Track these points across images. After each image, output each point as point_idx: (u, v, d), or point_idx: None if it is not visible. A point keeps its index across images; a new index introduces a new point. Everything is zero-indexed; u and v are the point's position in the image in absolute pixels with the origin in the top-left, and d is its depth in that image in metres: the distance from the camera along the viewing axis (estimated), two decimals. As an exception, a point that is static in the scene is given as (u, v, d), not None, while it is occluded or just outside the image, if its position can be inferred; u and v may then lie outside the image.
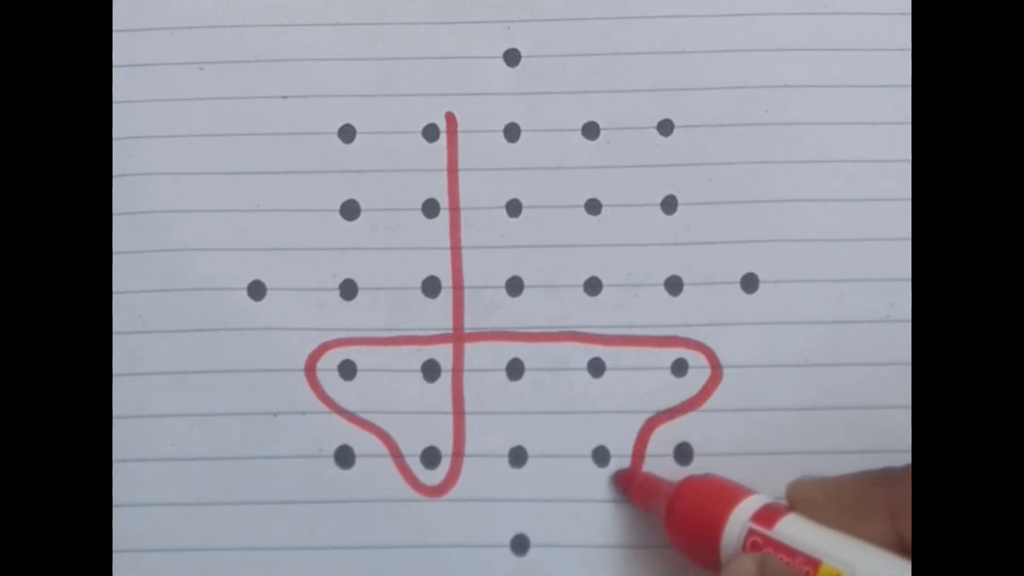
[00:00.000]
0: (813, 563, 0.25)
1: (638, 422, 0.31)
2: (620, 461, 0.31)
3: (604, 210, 0.32)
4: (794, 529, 0.26)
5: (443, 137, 0.32)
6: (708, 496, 0.28)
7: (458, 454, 0.31)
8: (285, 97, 0.32)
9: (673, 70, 0.32)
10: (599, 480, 0.31)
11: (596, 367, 0.31)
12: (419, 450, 0.31)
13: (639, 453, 0.31)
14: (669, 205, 0.32)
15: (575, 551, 0.30)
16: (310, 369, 0.31)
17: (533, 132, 0.32)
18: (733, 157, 0.31)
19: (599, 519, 0.30)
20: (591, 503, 0.30)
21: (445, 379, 0.31)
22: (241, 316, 0.31)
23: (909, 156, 0.31)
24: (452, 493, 0.31)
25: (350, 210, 0.32)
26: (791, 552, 0.26)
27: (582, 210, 0.32)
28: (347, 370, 0.31)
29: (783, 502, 0.27)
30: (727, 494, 0.28)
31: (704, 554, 0.28)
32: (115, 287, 0.31)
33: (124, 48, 0.32)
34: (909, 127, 0.31)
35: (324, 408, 0.31)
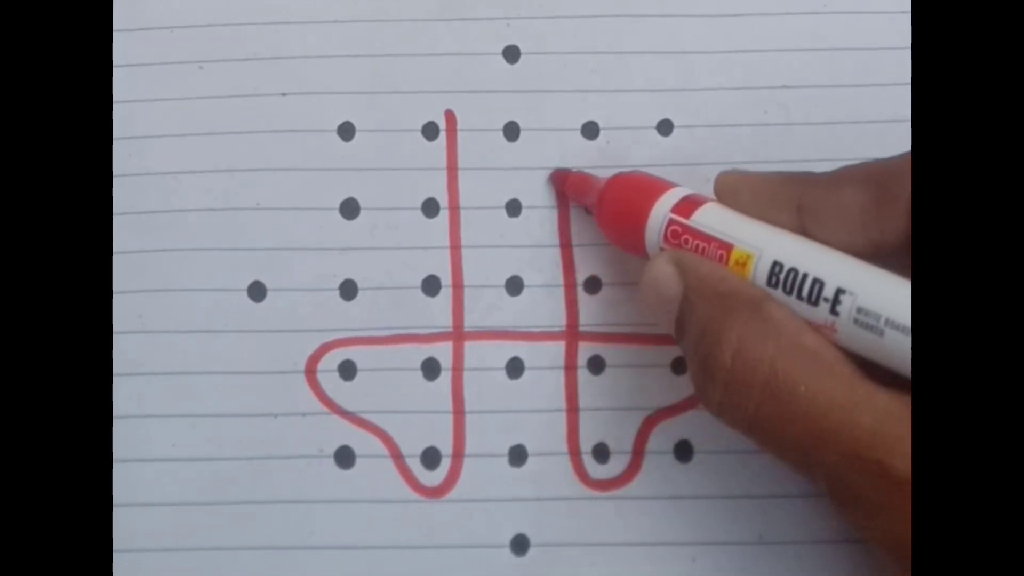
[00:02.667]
0: (726, 247, 0.26)
1: (638, 420, 0.31)
2: (620, 458, 0.31)
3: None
4: (710, 218, 0.27)
5: (442, 135, 0.32)
6: (634, 189, 0.29)
7: (458, 454, 0.31)
8: (284, 95, 0.32)
9: (673, 70, 0.32)
10: (600, 478, 0.31)
11: (596, 365, 0.31)
12: (419, 451, 0.31)
13: (639, 450, 0.31)
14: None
15: (575, 550, 0.30)
16: (310, 370, 0.31)
17: (533, 131, 0.32)
18: (732, 157, 0.31)
19: (599, 518, 0.30)
20: (591, 502, 0.30)
21: (445, 378, 0.31)
22: (241, 317, 0.31)
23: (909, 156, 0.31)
24: (452, 494, 0.31)
25: (350, 209, 0.32)
26: (707, 238, 0.27)
27: (581, 210, 0.32)
28: (347, 370, 0.31)
29: (708, 197, 0.28)
30: (652, 187, 0.29)
31: (632, 244, 0.29)
32: (115, 287, 0.31)
33: (124, 48, 0.32)
34: (909, 126, 0.31)
35: (324, 409, 0.31)
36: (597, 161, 0.32)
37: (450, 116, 0.32)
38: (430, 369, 0.31)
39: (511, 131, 0.32)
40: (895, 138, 0.31)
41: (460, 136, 0.32)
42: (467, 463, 0.31)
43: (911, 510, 0.22)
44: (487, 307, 0.31)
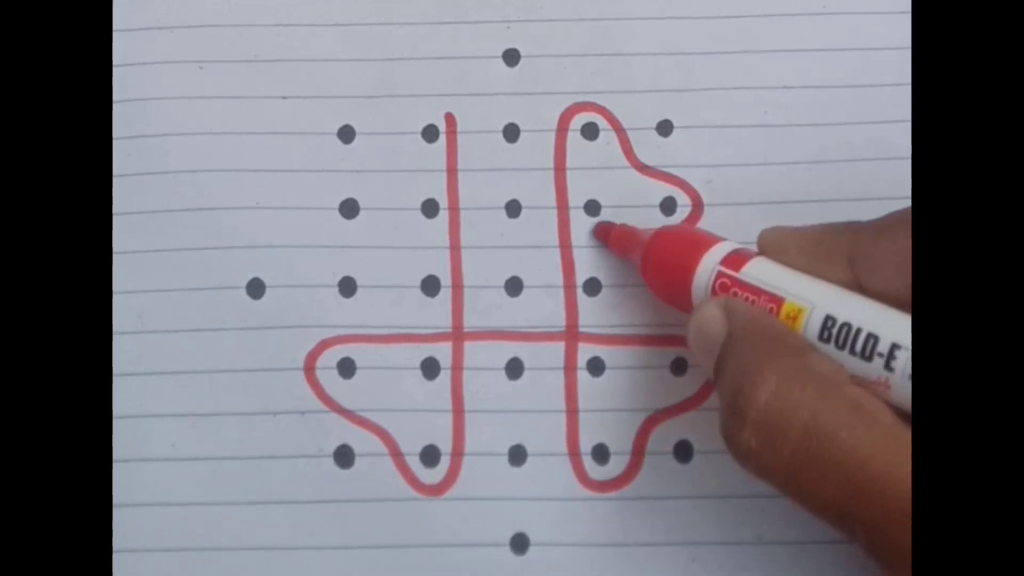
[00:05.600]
0: (777, 301, 0.26)
1: (637, 420, 0.31)
2: (620, 459, 0.31)
3: (603, 211, 0.32)
4: (760, 271, 0.27)
5: (442, 137, 0.32)
6: (682, 242, 0.29)
7: (457, 453, 0.31)
8: (284, 98, 0.32)
9: (672, 71, 0.32)
10: (600, 478, 0.31)
11: (595, 366, 0.31)
12: (418, 449, 0.31)
13: (638, 451, 0.31)
14: (668, 206, 0.32)
15: (575, 550, 0.30)
16: (309, 368, 0.31)
17: (532, 132, 0.32)
18: (733, 158, 0.32)
19: (599, 518, 0.30)
20: (591, 502, 0.30)
21: (444, 377, 0.31)
22: (240, 315, 0.31)
23: (909, 155, 0.31)
24: (452, 492, 0.31)
25: (349, 208, 0.32)
26: (757, 291, 0.27)
27: (581, 211, 0.32)
28: (346, 368, 0.31)
29: (754, 249, 0.28)
30: (699, 241, 0.29)
31: (678, 297, 0.29)
32: (115, 287, 0.31)
33: (124, 48, 0.32)
34: (909, 126, 0.31)
35: (323, 407, 0.31)
36: (597, 163, 0.32)
37: (450, 119, 0.32)
38: (429, 368, 0.31)
39: (511, 132, 0.32)
40: (895, 139, 0.31)
41: (460, 138, 0.32)
42: (466, 462, 0.31)
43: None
44: (487, 308, 0.31)
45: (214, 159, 0.32)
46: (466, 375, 0.31)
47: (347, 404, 0.31)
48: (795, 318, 0.26)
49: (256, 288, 0.31)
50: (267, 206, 0.32)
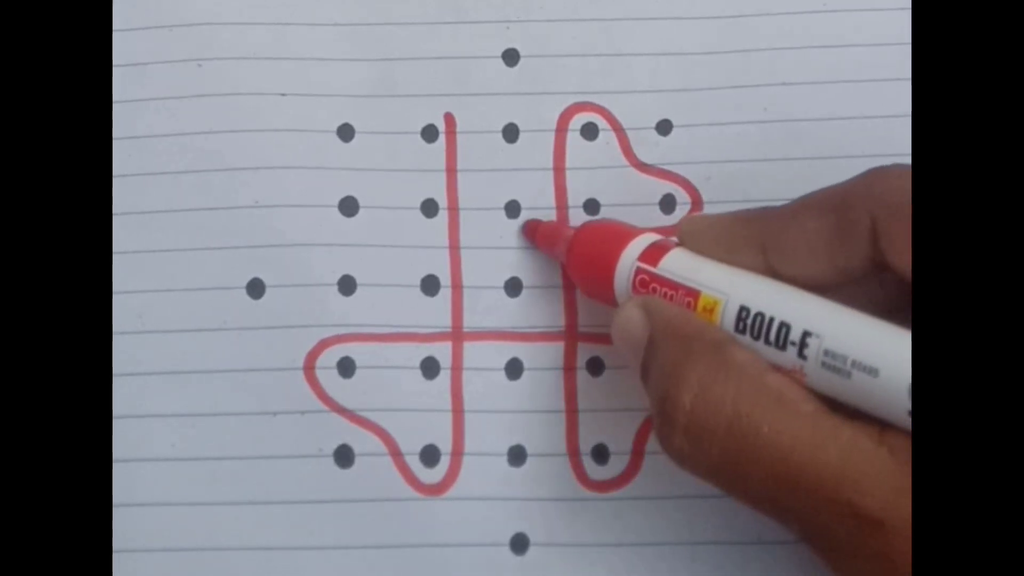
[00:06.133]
0: (694, 294, 0.26)
1: (637, 420, 0.31)
2: (619, 459, 0.31)
3: (602, 210, 0.32)
4: (677, 264, 0.27)
5: (442, 137, 0.32)
6: (603, 237, 0.29)
7: (457, 452, 0.31)
8: (284, 95, 0.32)
9: (672, 70, 0.32)
10: (599, 478, 0.31)
11: (595, 366, 0.31)
12: (418, 448, 0.31)
13: (638, 451, 0.31)
14: (668, 204, 0.32)
15: (575, 550, 0.30)
16: (309, 367, 0.31)
17: (532, 132, 0.32)
18: (732, 155, 0.32)
19: (599, 518, 0.30)
20: (591, 502, 0.30)
21: (444, 377, 0.31)
22: (240, 315, 0.31)
23: (910, 151, 0.31)
24: (451, 492, 0.31)
25: (349, 206, 0.32)
26: (674, 286, 0.27)
27: (580, 210, 0.32)
28: (346, 367, 0.31)
29: (674, 240, 0.28)
30: (620, 234, 0.28)
31: (604, 295, 0.29)
32: (115, 287, 0.31)
33: (124, 48, 0.32)
34: (909, 122, 0.31)
35: (323, 407, 0.31)
36: (596, 162, 0.32)
37: (449, 119, 0.32)
38: (429, 368, 0.31)
39: (510, 132, 0.32)
40: (895, 133, 0.31)
41: (459, 139, 0.32)
42: (466, 461, 0.31)
43: (887, 549, 0.22)
44: (486, 308, 0.31)
45: (214, 158, 0.32)
46: (466, 375, 0.31)
47: (347, 403, 0.31)
48: (712, 311, 0.26)
49: (256, 288, 0.31)
50: (266, 204, 0.32)
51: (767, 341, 0.25)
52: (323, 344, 0.31)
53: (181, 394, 0.31)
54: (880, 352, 0.23)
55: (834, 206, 0.25)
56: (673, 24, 0.32)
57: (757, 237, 0.26)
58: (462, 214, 0.32)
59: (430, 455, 0.31)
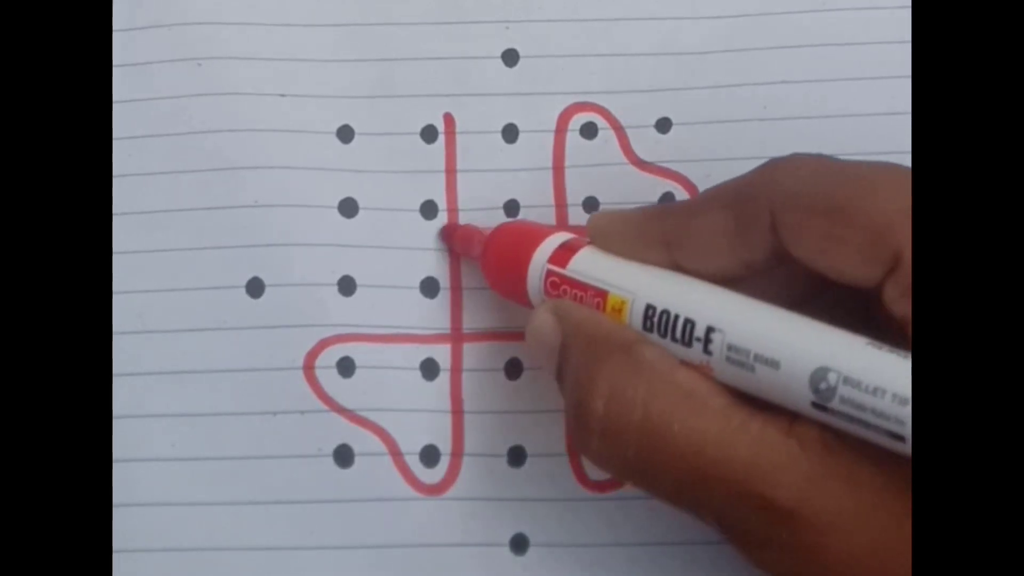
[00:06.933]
0: (602, 294, 0.26)
1: (636, 421, 0.31)
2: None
3: (601, 208, 0.32)
4: (585, 264, 0.27)
5: (441, 138, 0.32)
6: (515, 240, 0.29)
7: (457, 453, 0.31)
8: (283, 96, 0.32)
9: (671, 70, 0.32)
10: (599, 478, 0.31)
11: (594, 367, 0.31)
12: (418, 448, 0.31)
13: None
14: (667, 201, 0.32)
15: (574, 550, 0.30)
16: (309, 367, 0.31)
17: (531, 132, 0.32)
18: (731, 153, 0.31)
19: (598, 518, 0.30)
20: (590, 502, 0.30)
21: (444, 378, 0.31)
22: (240, 313, 0.31)
23: (909, 149, 0.31)
24: (451, 492, 0.31)
25: (348, 207, 0.32)
26: (583, 287, 0.27)
27: (580, 208, 0.32)
28: (346, 367, 0.31)
29: (585, 239, 0.28)
30: (530, 237, 0.28)
31: (519, 297, 0.29)
32: (115, 287, 0.31)
33: (124, 47, 0.32)
34: (909, 119, 0.31)
35: (323, 407, 0.31)
36: (596, 160, 0.32)
37: (449, 119, 0.32)
38: (429, 369, 0.31)
39: (510, 133, 0.32)
40: (895, 131, 0.31)
41: (459, 139, 0.32)
42: (466, 462, 0.31)
43: (799, 540, 0.22)
44: (485, 309, 0.31)
45: (213, 158, 0.32)
46: (465, 376, 0.31)
47: (346, 404, 0.31)
48: (620, 310, 0.26)
49: (255, 287, 0.31)
50: (266, 205, 0.32)
51: (674, 338, 0.25)
52: (323, 344, 0.31)
53: (181, 394, 0.31)
54: (781, 345, 0.23)
55: (735, 200, 0.25)
56: (673, 23, 0.32)
57: (662, 233, 0.26)
58: (461, 215, 0.32)
59: (430, 455, 0.31)
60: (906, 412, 0.21)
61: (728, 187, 0.26)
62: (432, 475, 0.31)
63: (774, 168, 0.25)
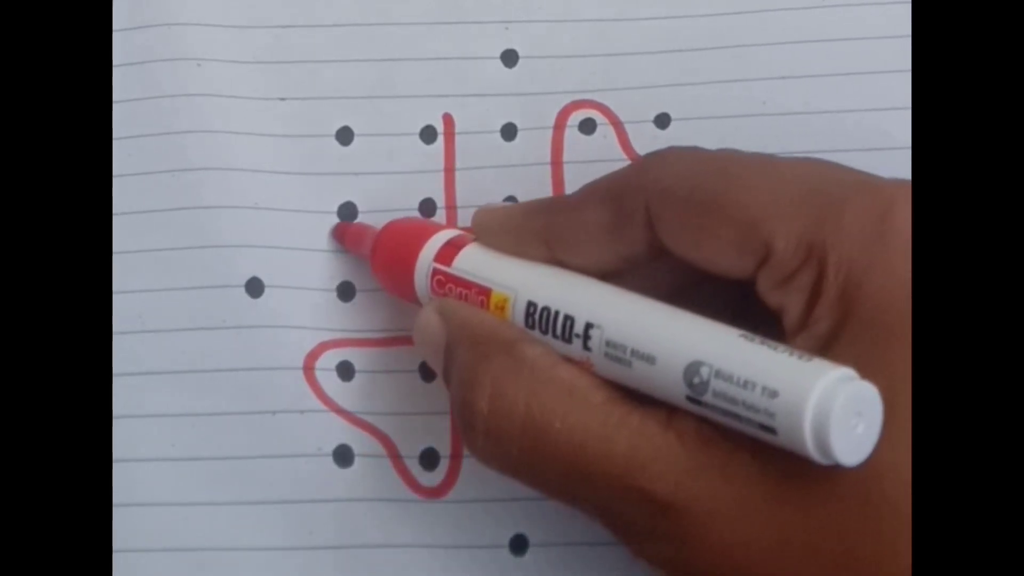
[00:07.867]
0: (485, 292, 0.27)
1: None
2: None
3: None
4: (469, 262, 0.27)
5: (440, 138, 0.32)
6: (402, 238, 0.29)
7: (456, 455, 0.31)
8: (283, 99, 0.32)
9: (671, 68, 0.32)
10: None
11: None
12: (417, 451, 0.31)
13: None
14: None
15: (574, 550, 0.30)
16: (308, 367, 0.31)
17: (530, 131, 0.32)
18: (731, 147, 0.31)
19: (598, 518, 0.30)
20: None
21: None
22: (239, 314, 0.31)
23: (909, 144, 0.31)
24: (451, 494, 0.31)
25: (347, 211, 0.32)
26: (467, 284, 0.27)
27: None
28: (345, 371, 0.31)
29: (471, 236, 0.28)
30: (417, 234, 0.29)
31: (408, 295, 0.29)
32: (115, 287, 0.31)
33: (124, 47, 0.32)
34: (909, 115, 0.31)
35: (323, 407, 0.31)
36: (595, 155, 0.32)
37: (448, 120, 0.32)
38: (428, 372, 0.31)
39: (509, 132, 0.32)
40: (895, 127, 0.31)
41: (458, 139, 0.32)
42: (466, 464, 0.31)
43: (679, 531, 0.22)
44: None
45: (213, 159, 0.32)
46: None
47: (346, 406, 0.31)
48: (503, 308, 0.26)
49: (255, 287, 0.31)
50: (266, 207, 0.32)
51: (555, 335, 0.25)
52: (323, 347, 0.31)
53: (181, 394, 0.31)
54: (656, 340, 0.23)
55: (611, 195, 0.26)
56: (673, 22, 0.32)
57: (543, 229, 0.26)
58: (460, 213, 0.32)
59: (429, 458, 0.31)
60: (775, 404, 0.21)
61: (605, 182, 0.26)
62: (431, 478, 0.31)
63: (649, 162, 0.26)
